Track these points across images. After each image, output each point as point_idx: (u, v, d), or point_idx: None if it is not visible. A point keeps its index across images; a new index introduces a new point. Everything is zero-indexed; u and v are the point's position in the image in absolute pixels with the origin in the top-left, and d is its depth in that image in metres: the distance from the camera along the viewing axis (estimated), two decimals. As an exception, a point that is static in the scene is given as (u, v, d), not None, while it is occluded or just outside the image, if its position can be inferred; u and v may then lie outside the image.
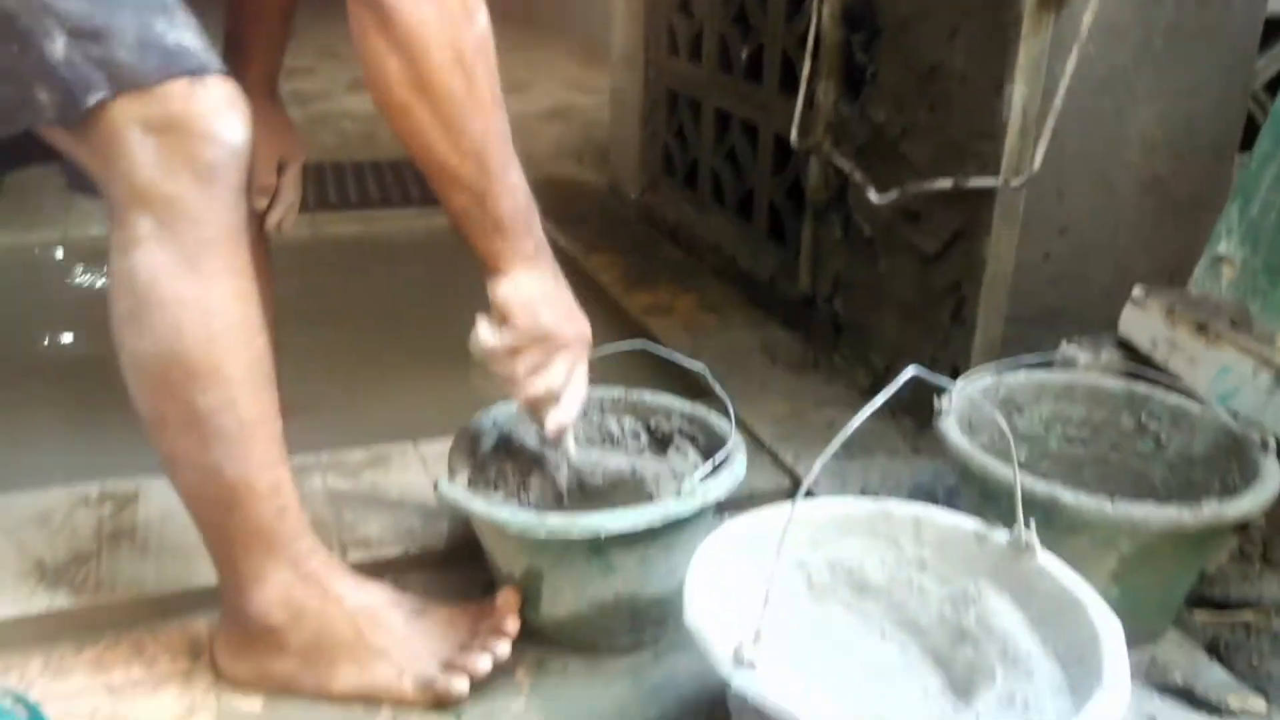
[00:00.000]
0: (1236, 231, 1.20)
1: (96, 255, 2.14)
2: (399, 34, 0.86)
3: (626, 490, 1.09)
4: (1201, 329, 1.16)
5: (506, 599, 1.02)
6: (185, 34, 0.86)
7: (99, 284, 2.08)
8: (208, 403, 0.88)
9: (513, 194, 0.96)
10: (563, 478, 1.10)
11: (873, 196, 1.44)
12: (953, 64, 1.33)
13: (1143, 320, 1.23)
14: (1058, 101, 1.22)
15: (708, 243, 2.10)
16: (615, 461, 1.11)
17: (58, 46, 0.81)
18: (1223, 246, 1.22)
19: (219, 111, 0.86)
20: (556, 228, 2.25)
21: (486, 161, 0.92)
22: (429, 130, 0.90)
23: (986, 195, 1.29)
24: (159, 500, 1.19)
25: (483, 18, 0.90)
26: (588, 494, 1.10)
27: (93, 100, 0.82)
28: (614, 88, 2.58)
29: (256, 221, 1.32)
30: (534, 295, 1.00)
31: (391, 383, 1.70)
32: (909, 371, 0.75)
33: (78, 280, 2.11)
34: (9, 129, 0.85)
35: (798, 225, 1.77)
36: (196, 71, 0.85)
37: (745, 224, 2.00)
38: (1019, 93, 1.24)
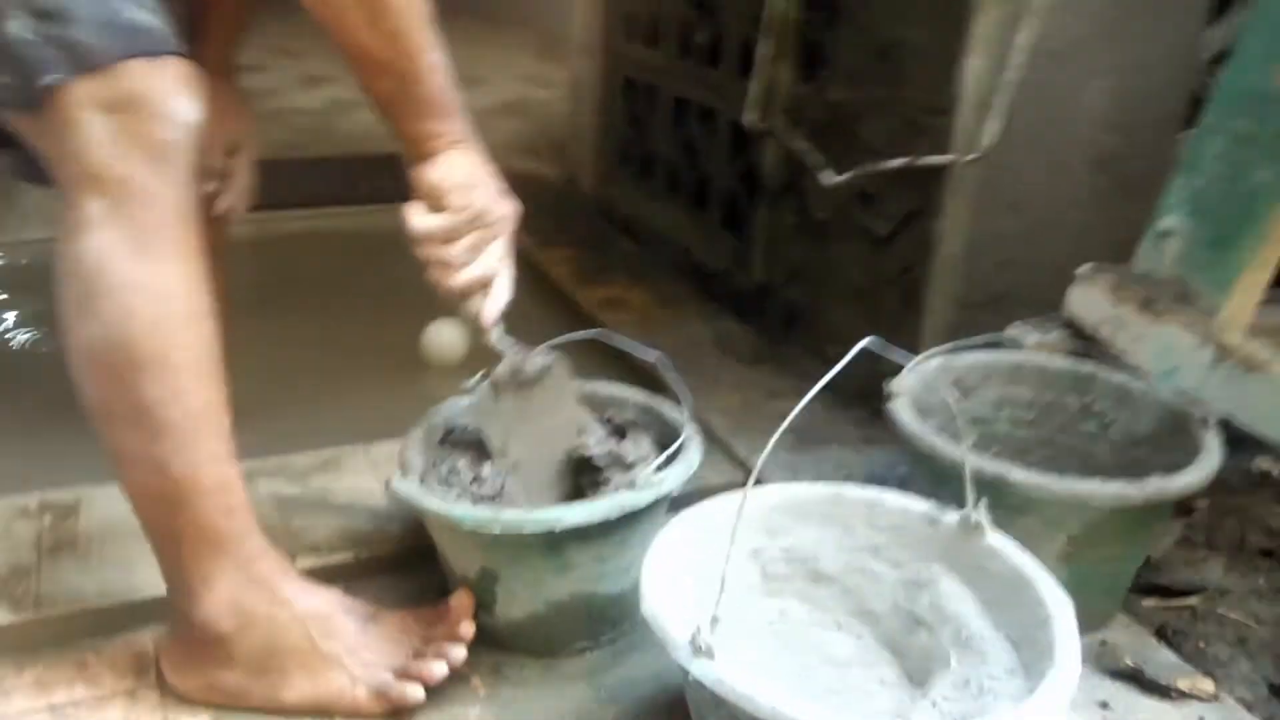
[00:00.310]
0: (1182, 205, 1.20)
1: (36, 262, 2.10)
2: None
3: (554, 381, 1.10)
4: (1146, 305, 1.16)
5: (460, 602, 1.00)
6: (143, 13, 0.85)
7: (36, 292, 2.03)
8: (154, 393, 0.86)
9: (437, 74, 0.95)
10: (498, 370, 1.08)
11: (823, 178, 1.44)
12: (910, 38, 1.32)
13: (1089, 298, 1.23)
14: (1012, 74, 1.21)
15: (661, 235, 2.09)
16: (542, 357, 1.11)
17: (16, 25, 0.80)
18: (1167, 220, 1.22)
19: (173, 91, 0.85)
20: (512, 222, 2.23)
21: (407, 42, 0.92)
22: (347, 11, 0.90)
23: (940, 174, 1.29)
24: (101, 510, 1.17)
25: None
26: (521, 384, 1.08)
27: (48, 80, 0.81)
28: (573, 77, 2.55)
29: (207, 207, 1.29)
30: (467, 176, 0.99)
31: (342, 384, 1.68)
32: (863, 343, 0.75)
33: (13, 286, 2.06)
34: None
35: (752, 213, 1.76)
36: (154, 51, 0.84)
37: (699, 214, 1.99)
38: (975, 66, 1.23)
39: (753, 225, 1.74)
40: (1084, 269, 1.24)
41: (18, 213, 2.26)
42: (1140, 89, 1.33)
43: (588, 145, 2.47)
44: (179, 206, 0.86)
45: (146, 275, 0.85)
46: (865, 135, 1.42)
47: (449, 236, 1.00)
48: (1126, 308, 1.17)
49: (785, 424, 0.76)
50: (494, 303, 1.06)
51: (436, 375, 1.75)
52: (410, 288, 1.02)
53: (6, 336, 1.88)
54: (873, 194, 1.42)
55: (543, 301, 1.97)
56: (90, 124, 0.82)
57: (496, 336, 1.07)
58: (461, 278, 1.02)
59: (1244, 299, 1.12)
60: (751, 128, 1.65)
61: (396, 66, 0.93)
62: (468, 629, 0.98)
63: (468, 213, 0.99)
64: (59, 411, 0.90)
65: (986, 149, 1.25)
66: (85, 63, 0.81)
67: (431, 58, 0.94)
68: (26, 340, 1.86)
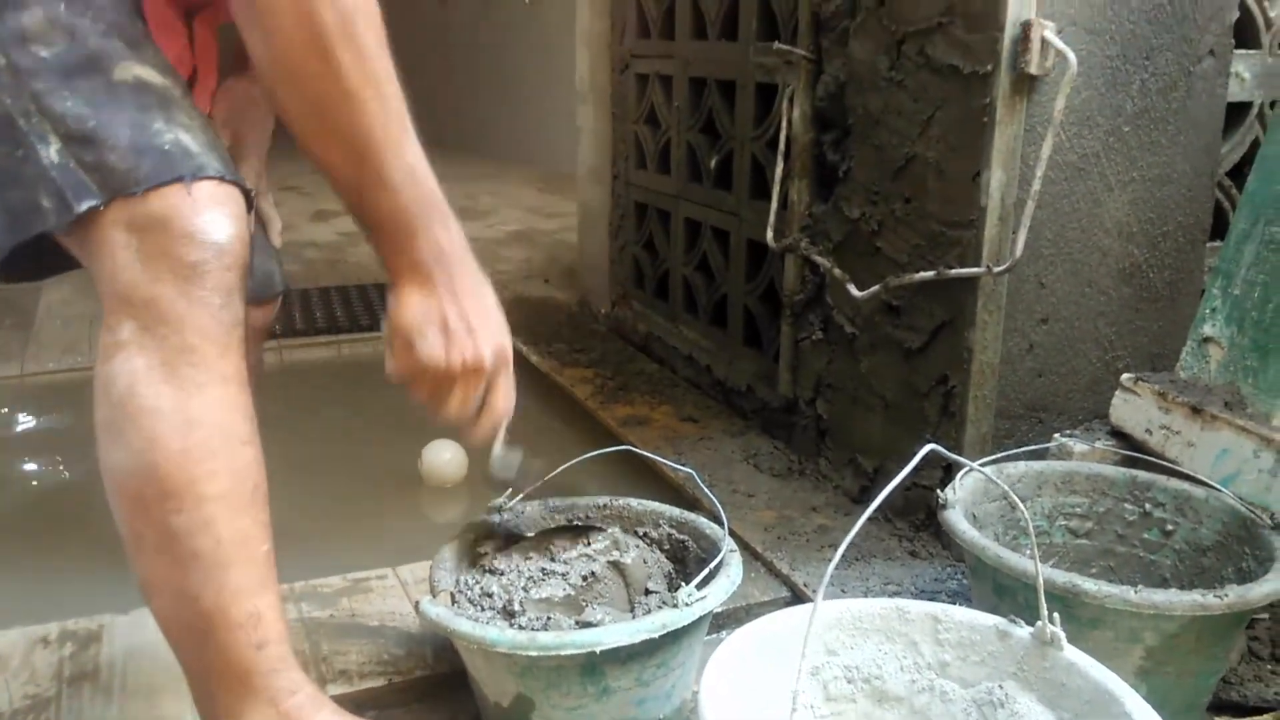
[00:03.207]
0: (1221, 312, 1.20)
1: (54, 391, 2.09)
2: (255, 10, 0.81)
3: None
4: (1196, 412, 1.14)
5: None
6: (183, 133, 0.84)
7: (55, 422, 2.03)
8: (182, 523, 0.82)
9: (395, 191, 0.86)
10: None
11: (854, 292, 1.43)
12: (927, 155, 1.34)
13: (1135, 407, 1.21)
14: (1036, 185, 1.22)
15: (681, 353, 2.08)
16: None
17: (52, 151, 0.80)
18: (1208, 327, 1.21)
19: (203, 210, 0.83)
20: (527, 345, 2.24)
21: (360, 152, 0.84)
22: (295, 116, 0.84)
23: (969, 285, 1.29)
24: (123, 638, 1.12)
25: None
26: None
27: (83, 207, 0.80)
28: (582, 204, 2.59)
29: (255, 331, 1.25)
30: (415, 317, 0.90)
31: (363, 507, 1.65)
32: (925, 450, 0.72)
33: (33, 417, 2.05)
34: (23, 234, 0.82)
35: (774, 330, 1.76)
36: (191, 174, 0.83)
37: (720, 332, 1.99)
38: (996, 179, 1.24)
39: (776, 342, 1.73)
40: (1127, 378, 1.22)
41: (37, 342, 2.27)
42: (1161, 200, 1.35)
43: (600, 268, 2.49)
44: (213, 329, 0.84)
45: (174, 401, 0.82)
46: (887, 250, 1.43)
47: (410, 378, 0.93)
48: (1175, 415, 1.15)
49: (848, 539, 0.73)
50: (475, 433, 0.99)
51: (438, 494, 1.72)
52: (419, 411, 0.99)
53: (27, 464, 1.86)
54: (899, 306, 1.41)
55: (566, 421, 1.95)
56: (120, 244, 0.81)
57: (496, 464, 1.03)
58: (435, 418, 0.96)
59: (1296, 403, 1.10)
60: (772, 246, 1.66)
61: (348, 177, 0.86)
62: None
63: (409, 361, 0.92)
64: (79, 540, 0.86)
65: (1015, 261, 1.25)
66: (119, 187, 0.81)
67: (392, 173, 0.86)
68: (46, 468, 1.84)
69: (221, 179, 0.85)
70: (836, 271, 1.50)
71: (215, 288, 0.83)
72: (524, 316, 2.49)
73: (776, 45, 1.60)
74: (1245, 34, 1.42)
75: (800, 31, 1.56)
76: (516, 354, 0.97)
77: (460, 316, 0.91)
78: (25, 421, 2.02)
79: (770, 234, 1.65)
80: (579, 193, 2.62)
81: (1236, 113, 1.46)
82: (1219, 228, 1.43)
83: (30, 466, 1.85)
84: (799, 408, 1.67)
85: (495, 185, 4.76)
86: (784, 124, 1.61)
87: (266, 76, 0.84)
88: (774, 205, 1.64)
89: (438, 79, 6.16)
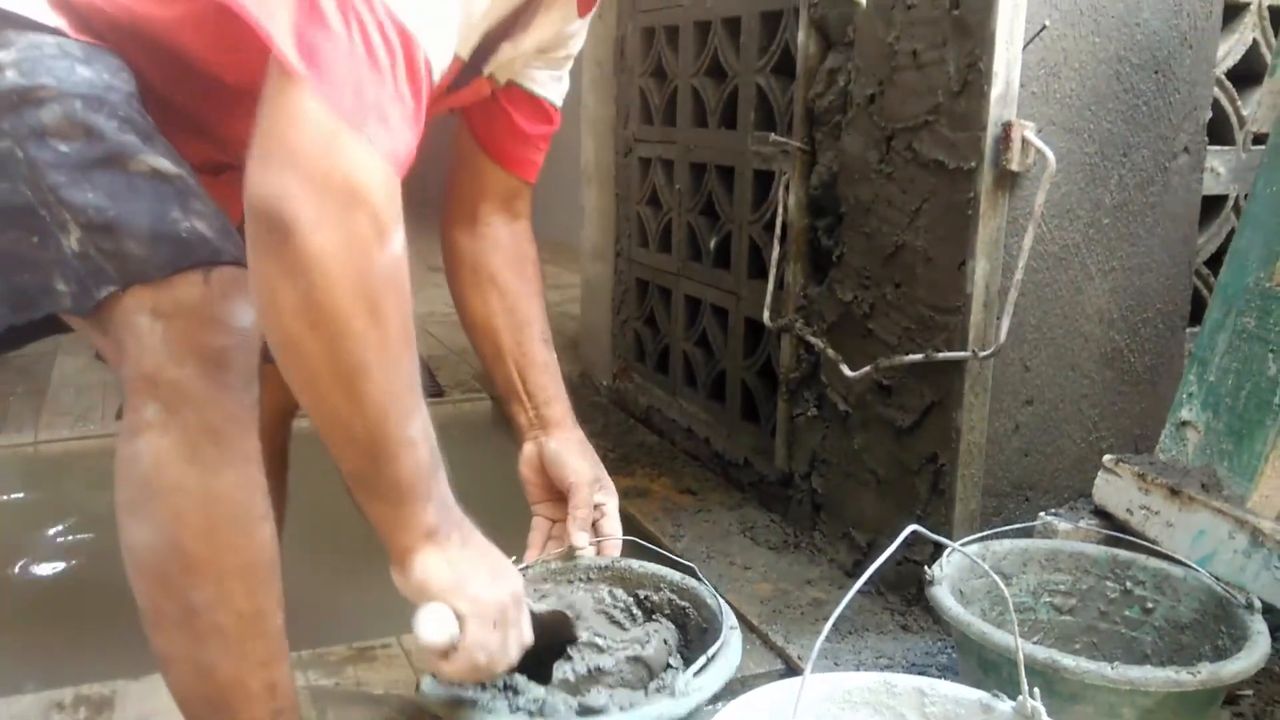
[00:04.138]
0: (1197, 397, 1.25)
1: (67, 459, 2.13)
2: (297, 258, 0.74)
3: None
4: (1174, 493, 1.18)
5: None
6: (198, 221, 0.87)
7: (68, 489, 2.06)
8: (202, 598, 0.85)
9: (414, 452, 0.83)
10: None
11: (847, 371, 1.49)
12: (915, 243, 1.40)
13: (1116, 487, 1.25)
14: (1018, 275, 1.28)
15: (680, 426, 2.13)
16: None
17: (72, 240, 0.83)
18: (1185, 412, 1.26)
19: (228, 298, 0.86)
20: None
21: (387, 414, 0.80)
22: (322, 374, 0.78)
23: (956, 367, 1.34)
24: (136, 704, 1.15)
25: (398, 239, 0.77)
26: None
27: (103, 294, 0.84)
28: (585, 279, 2.66)
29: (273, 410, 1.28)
30: (450, 582, 0.88)
31: (372, 577, 1.67)
32: (908, 530, 0.76)
33: (46, 484, 2.08)
34: (30, 314, 0.86)
35: (771, 405, 1.81)
36: (209, 260, 0.86)
37: (718, 406, 2.04)
38: (981, 268, 1.30)
39: (773, 418, 1.78)
40: (1108, 459, 1.27)
41: (52, 410, 2.31)
42: (1140, 288, 1.41)
43: (602, 342, 2.55)
44: (235, 411, 0.86)
45: (198, 480, 0.85)
46: (878, 332, 1.48)
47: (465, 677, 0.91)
48: (1155, 496, 1.19)
49: (833, 617, 0.77)
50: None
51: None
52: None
53: (41, 530, 1.89)
54: (890, 386, 1.46)
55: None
56: (144, 330, 0.84)
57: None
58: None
59: (1270, 487, 1.14)
60: (769, 326, 1.72)
61: (371, 442, 0.81)
62: None
63: (466, 639, 0.89)
64: (91, 603, 0.90)
65: (1000, 346, 1.30)
66: (137, 275, 0.84)
67: (411, 432, 0.82)
68: (59, 535, 1.87)
69: (237, 263, 0.87)
70: (830, 351, 1.56)
71: (238, 371, 0.86)
72: (527, 388, 2.53)
73: (773, 136, 1.68)
74: (1221, 131, 1.50)
75: (795, 124, 1.64)
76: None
77: (481, 560, 0.92)
78: (38, 488, 2.06)
79: (767, 314, 1.71)
80: (582, 268, 2.69)
81: (1213, 205, 1.53)
82: (1197, 314, 1.49)
83: (44, 533, 1.88)
84: (794, 482, 1.72)
85: (499, 256, 4.81)
86: (780, 209, 1.68)
87: (293, 329, 0.77)
88: (770, 286, 1.70)
89: (445, 154, 6.27)
